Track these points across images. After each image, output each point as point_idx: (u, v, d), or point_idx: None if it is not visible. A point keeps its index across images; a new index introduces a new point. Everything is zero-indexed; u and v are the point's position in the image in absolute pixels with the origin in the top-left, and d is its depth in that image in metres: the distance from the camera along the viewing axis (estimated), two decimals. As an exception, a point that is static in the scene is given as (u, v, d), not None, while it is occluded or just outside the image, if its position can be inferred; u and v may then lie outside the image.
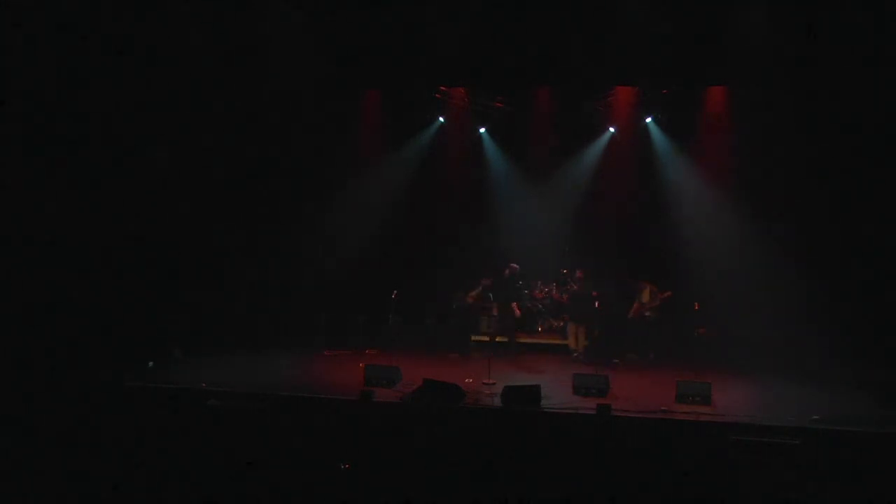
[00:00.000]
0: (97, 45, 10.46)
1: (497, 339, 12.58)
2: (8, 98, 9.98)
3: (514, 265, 12.63)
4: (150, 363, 10.40)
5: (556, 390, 9.43)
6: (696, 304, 11.65)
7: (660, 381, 10.20)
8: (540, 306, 13.57)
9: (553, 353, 12.49)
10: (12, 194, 10.04)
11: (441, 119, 14.01)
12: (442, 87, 13.56)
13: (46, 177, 10.27)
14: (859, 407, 8.90)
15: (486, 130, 14.21)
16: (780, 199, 11.78)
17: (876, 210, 10.62)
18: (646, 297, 12.35)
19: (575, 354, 12.16)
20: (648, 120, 13.30)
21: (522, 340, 13.05)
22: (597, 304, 11.92)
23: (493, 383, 9.73)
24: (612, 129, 13.64)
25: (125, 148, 11.01)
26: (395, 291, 12.71)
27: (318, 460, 7.20)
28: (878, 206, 10.60)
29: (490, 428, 8.32)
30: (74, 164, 10.51)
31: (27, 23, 10.00)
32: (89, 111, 10.59)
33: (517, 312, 12.57)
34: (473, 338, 12.94)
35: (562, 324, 13.35)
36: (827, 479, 7.01)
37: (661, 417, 8.37)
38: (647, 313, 12.35)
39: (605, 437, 7.98)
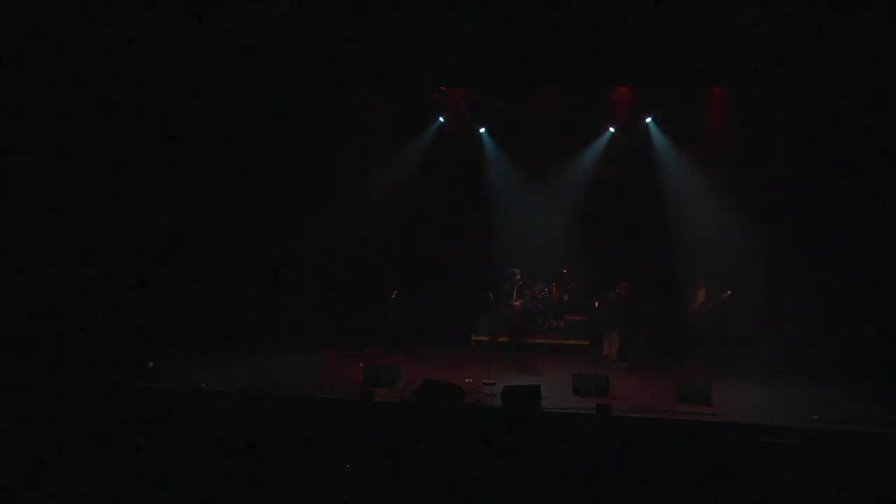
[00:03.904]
0: (93, 42, 10.46)
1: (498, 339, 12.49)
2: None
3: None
4: (150, 363, 10.41)
5: (556, 390, 9.44)
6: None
7: (660, 381, 10.21)
8: (540, 306, 13.54)
9: (553, 353, 12.47)
10: (12, 194, 10.04)
11: (441, 119, 14.00)
12: (442, 87, 13.55)
13: (46, 178, 10.27)
14: (859, 407, 8.92)
15: (486, 130, 14.20)
16: (781, 199, 11.77)
17: (876, 210, 10.62)
18: (701, 297, 12.05)
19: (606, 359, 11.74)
20: (648, 120, 13.29)
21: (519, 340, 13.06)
22: (596, 304, 11.90)
23: (493, 383, 9.74)
24: (611, 129, 13.63)
25: (124, 148, 11.01)
26: (395, 291, 12.70)
27: (319, 460, 7.19)
28: (878, 205, 10.60)
29: (490, 428, 8.32)
30: (73, 164, 10.50)
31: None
32: (87, 111, 10.59)
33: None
34: (473, 338, 12.95)
35: (562, 324, 13.34)
36: (827, 479, 7.01)
37: (661, 417, 8.38)
38: (703, 314, 11.94)
39: (605, 437, 7.98)
